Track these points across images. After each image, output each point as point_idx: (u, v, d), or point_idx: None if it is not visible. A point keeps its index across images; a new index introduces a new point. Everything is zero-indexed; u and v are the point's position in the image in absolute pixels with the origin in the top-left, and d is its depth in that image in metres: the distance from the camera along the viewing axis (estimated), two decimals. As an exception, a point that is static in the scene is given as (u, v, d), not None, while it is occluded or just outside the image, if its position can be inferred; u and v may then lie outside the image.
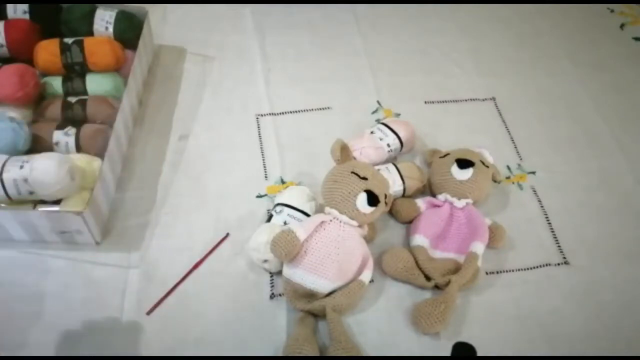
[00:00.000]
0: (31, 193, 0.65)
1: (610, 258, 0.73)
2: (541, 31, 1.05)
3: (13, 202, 0.67)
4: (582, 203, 0.79)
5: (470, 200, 0.72)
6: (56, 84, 0.80)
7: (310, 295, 0.64)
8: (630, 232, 0.76)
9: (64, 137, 0.73)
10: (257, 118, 0.86)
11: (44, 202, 0.68)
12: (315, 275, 0.63)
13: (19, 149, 0.70)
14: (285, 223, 0.69)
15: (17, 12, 0.83)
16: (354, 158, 0.75)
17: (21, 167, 0.65)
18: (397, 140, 0.79)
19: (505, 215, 0.76)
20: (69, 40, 0.80)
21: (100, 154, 0.71)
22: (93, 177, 0.69)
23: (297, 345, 0.59)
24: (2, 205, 0.67)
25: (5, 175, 0.64)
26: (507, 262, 0.72)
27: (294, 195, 0.71)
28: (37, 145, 0.72)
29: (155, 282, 0.67)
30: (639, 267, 0.72)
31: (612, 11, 1.11)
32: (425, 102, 0.91)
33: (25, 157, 0.66)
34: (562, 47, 1.02)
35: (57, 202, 0.68)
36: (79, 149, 0.73)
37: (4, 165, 0.65)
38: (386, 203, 0.68)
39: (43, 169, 0.65)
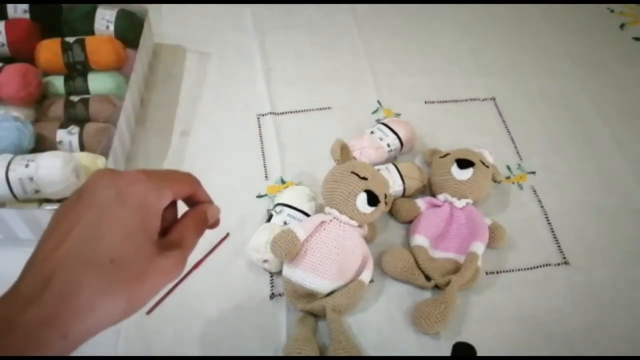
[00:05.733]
0: (37, 192, 0.65)
1: (610, 258, 0.73)
2: (541, 31, 1.05)
3: (19, 201, 0.67)
4: (582, 203, 0.79)
5: (470, 200, 0.73)
6: (58, 83, 0.80)
7: (310, 295, 0.64)
8: (630, 232, 0.76)
9: (68, 135, 0.73)
10: (258, 118, 0.87)
11: (49, 201, 0.68)
12: (315, 275, 0.63)
13: (24, 148, 0.70)
14: (285, 223, 0.69)
15: (18, 11, 0.83)
16: (354, 158, 0.75)
17: (27, 165, 0.65)
18: (397, 140, 0.79)
19: (505, 215, 0.76)
20: (70, 40, 0.80)
21: (104, 152, 0.71)
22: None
23: (297, 345, 0.59)
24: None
25: (11, 174, 0.64)
26: (507, 262, 0.72)
27: (294, 195, 0.71)
28: (41, 145, 0.72)
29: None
30: (639, 267, 0.72)
31: (612, 11, 1.11)
32: (425, 102, 0.91)
33: (30, 156, 0.66)
34: (562, 47, 1.02)
35: (62, 200, 0.68)
36: (82, 147, 0.73)
37: (9, 164, 0.65)
38: (386, 203, 0.68)
39: (49, 167, 0.65)
